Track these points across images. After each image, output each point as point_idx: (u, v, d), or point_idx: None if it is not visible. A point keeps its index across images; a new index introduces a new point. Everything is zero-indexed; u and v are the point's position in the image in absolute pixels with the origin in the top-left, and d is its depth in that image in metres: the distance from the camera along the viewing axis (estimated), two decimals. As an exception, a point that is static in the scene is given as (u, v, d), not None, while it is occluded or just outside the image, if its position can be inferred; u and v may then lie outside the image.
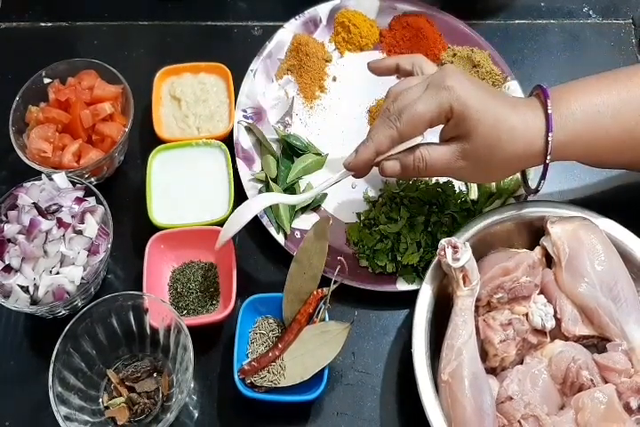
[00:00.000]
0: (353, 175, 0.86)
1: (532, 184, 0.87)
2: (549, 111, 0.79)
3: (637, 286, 0.83)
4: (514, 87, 1.04)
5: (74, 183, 0.90)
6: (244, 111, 1.02)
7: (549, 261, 0.86)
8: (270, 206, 0.95)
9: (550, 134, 0.78)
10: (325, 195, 0.98)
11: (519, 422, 0.76)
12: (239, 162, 0.98)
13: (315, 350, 0.83)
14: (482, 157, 0.80)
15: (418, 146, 0.81)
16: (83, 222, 0.86)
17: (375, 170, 1.00)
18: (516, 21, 1.14)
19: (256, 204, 0.88)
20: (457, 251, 0.80)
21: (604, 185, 1.02)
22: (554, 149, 0.79)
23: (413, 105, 0.78)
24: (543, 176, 0.82)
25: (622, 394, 0.78)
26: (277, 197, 0.90)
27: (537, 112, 0.80)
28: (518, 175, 0.98)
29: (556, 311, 0.82)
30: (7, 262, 0.83)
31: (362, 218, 0.97)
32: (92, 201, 0.89)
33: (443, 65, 1.01)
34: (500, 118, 0.78)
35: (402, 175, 0.83)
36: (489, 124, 0.78)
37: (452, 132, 0.80)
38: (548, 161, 0.80)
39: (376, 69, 0.93)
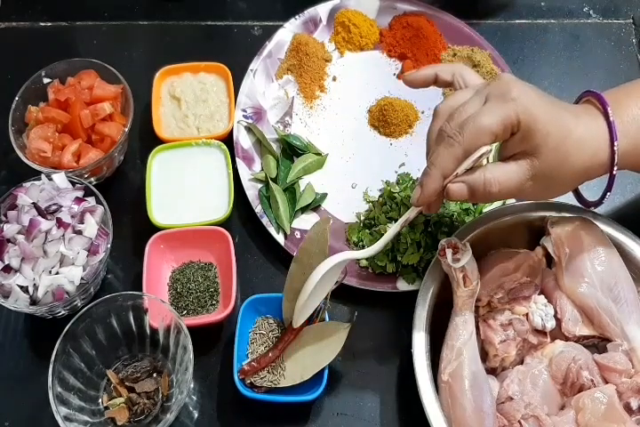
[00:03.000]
0: (424, 211, 0.78)
1: (589, 196, 0.83)
2: (611, 119, 0.74)
3: (637, 286, 0.83)
4: (514, 87, 1.04)
5: (73, 183, 0.90)
6: (244, 111, 1.02)
7: (550, 261, 0.86)
8: (270, 206, 0.95)
9: (616, 143, 0.74)
10: (325, 195, 0.98)
11: (519, 422, 0.76)
12: (239, 162, 0.98)
13: (315, 350, 0.83)
14: (550, 175, 0.74)
15: (483, 168, 0.73)
16: (82, 222, 0.86)
17: (375, 170, 1.00)
18: (516, 21, 1.14)
19: (327, 263, 0.80)
20: (457, 251, 0.80)
21: (605, 185, 1.01)
22: (620, 158, 0.75)
23: (476, 118, 0.70)
24: (609, 188, 0.77)
25: (622, 394, 0.78)
26: (350, 255, 0.81)
27: (598, 121, 0.75)
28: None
29: (556, 311, 0.82)
30: (7, 262, 0.83)
31: (362, 218, 0.97)
32: (91, 201, 0.89)
33: (497, 74, 0.95)
34: (568, 130, 0.73)
35: (471, 199, 0.74)
36: (558, 137, 0.72)
37: (516, 148, 0.73)
38: (614, 171, 0.75)
39: (413, 82, 0.84)
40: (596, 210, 0.87)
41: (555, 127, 0.72)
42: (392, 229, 0.79)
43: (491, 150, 0.73)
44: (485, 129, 0.70)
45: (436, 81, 0.83)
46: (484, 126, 0.70)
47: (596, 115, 0.76)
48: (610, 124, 0.75)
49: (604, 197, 0.79)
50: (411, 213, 0.77)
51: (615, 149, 0.74)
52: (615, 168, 0.76)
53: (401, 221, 0.78)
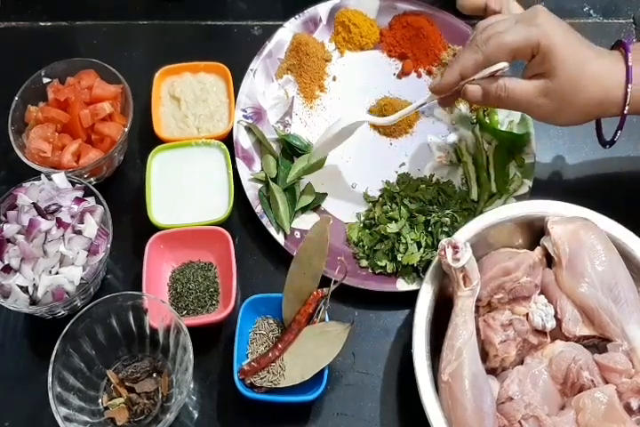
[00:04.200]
0: (439, 102, 0.90)
1: (607, 137, 0.90)
2: (630, 63, 0.82)
3: (638, 286, 0.83)
4: (514, 87, 1.04)
5: (73, 183, 0.90)
6: (244, 111, 1.02)
7: (550, 261, 0.86)
8: (270, 206, 0.95)
9: (630, 86, 0.81)
10: (325, 195, 0.98)
11: (519, 422, 0.76)
12: (239, 162, 0.98)
13: (315, 350, 0.83)
14: (563, 97, 0.83)
15: (501, 76, 0.84)
16: (82, 222, 0.86)
17: (375, 170, 1.00)
18: (517, 21, 1.14)
19: (347, 119, 0.93)
20: (457, 251, 0.80)
21: (605, 185, 1.01)
22: (632, 100, 0.82)
23: (501, 34, 0.82)
24: (620, 127, 0.85)
25: (623, 394, 0.78)
26: (369, 118, 0.96)
27: (619, 64, 0.83)
28: (520, 176, 0.99)
29: (556, 312, 0.82)
30: (6, 262, 0.83)
31: (362, 218, 0.96)
32: (91, 201, 0.89)
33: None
34: (585, 62, 0.82)
35: (482, 101, 0.86)
36: (573, 65, 0.81)
37: (536, 69, 0.83)
38: (625, 112, 0.83)
39: (465, 7, 0.98)
40: (596, 210, 0.88)
41: (571, 56, 0.81)
42: (409, 108, 0.91)
43: (507, 68, 0.83)
44: (506, 45, 0.81)
45: (485, 10, 0.95)
46: (505, 42, 0.81)
47: (618, 59, 0.84)
48: (628, 68, 0.82)
49: (614, 135, 0.87)
50: (427, 99, 0.89)
51: (629, 90, 0.82)
52: (627, 109, 0.83)
53: (418, 103, 0.90)
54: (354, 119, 0.94)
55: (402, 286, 0.91)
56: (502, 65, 0.83)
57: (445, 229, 0.92)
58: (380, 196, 0.97)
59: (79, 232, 0.86)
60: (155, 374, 0.85)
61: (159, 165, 0.96)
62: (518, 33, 0.81)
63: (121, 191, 0.99)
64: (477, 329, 0.81)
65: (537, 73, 0.83)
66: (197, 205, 0.94)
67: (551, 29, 0.81)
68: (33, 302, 0.84)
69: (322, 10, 1.09)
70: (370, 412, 0.86)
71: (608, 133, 0.90)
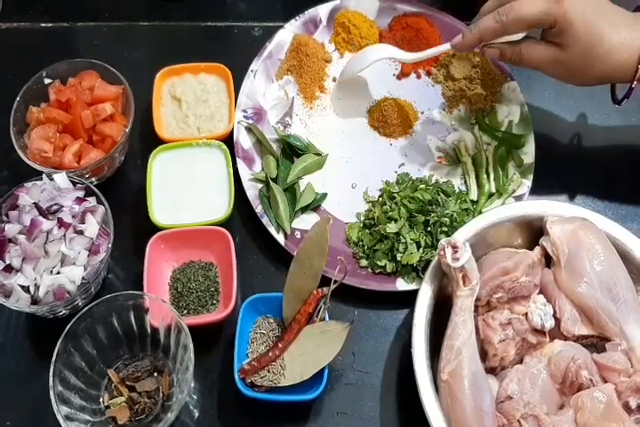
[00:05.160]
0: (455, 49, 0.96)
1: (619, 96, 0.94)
2: None
3: (636, 286, 0.83)
4: (513, 87, 1.05)
5: (74, 183, 0.90)
6: (245, 111, 1.02)
7: (549, 261, 0.86)
8: (270, 206, 0.96)
9: None
10: (325, 195, 0.98)
11: (519, 421, 0.76)
12: (239, 162, 0.98)
13: (315, 349, 0.83)
14: (574, 68, 0.89)
15: (518, 41, 0.90)
16: (83, 222, 0.86)
17: (375, 170, 1.01)
18: (516, 22, 1.14)
19: (374, 52, 1.02)
20: (457, 251, 0.80)
21: (605, 185, 1.02)
22: None
23: (522, 7, 0.85)
24: (627, 96, 0.90)
25: (621, 394, 0.78)
26: (397, 53, 1.02)
27: (637, 34, 0.86)
28: (519, 176, 0.99)
29: (555, 311, 0.83)
30: (8, 262, 0.84)
31: (362, 218, 0.97)
32: (92, 201, 0.89)
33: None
34: (599, 40, 0.85)
35: (500, 59, 0.92)
36: (588, 44, 0.85)
37: (552, 38, 0.88)
38: (633, 86, 0.87)
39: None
40: (596, 210, 0.88)
41: (587, 35, 0.85)
42: (434, 49, 0.98)
43: (525, 35, 0.90)
44: (525, 19, 0.85)
45: None
46: (524, 17, 0.85)
47: (638, 27, 0.87)
48: None
49: (622, 100, 0.92)
50: (448, 48, 0.96)
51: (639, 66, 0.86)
52: (634, 84, 0.87)
53: (442, 48, 0.97)
54: (384, 54, 1.02)
55: (401, 285, 0.92)
56: (521, 36, 0.90)
57: (445, 229, 0.92)
58: (380, 196, 0.98)
59: (80, 232, 0.86)
60: (155, 374, 0.85)
61: (160, 166, 0.96)
62: (537, 8, 0.84)
63: (122, 191, 0.99)
64: (477, 328, 0.81)
65: (553, 40, 0.87)
66: (198, 205, 0.94)
67: (571, 8, 0.84)
68: (34, 301, 0.84)
69: (322, 11, 1.09)
70: (370, 411, 0.87)
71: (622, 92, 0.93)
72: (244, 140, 1.00)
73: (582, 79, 0.92)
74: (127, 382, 0.84)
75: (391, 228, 0.92)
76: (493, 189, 0.98)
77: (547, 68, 0.91)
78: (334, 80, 1.08)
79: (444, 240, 0.81)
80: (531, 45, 0.90)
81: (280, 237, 0.94)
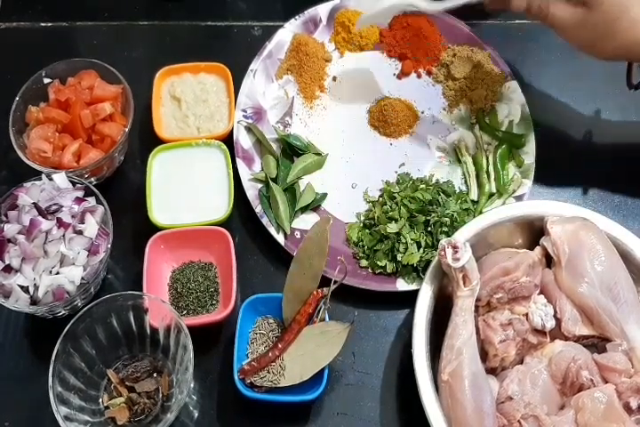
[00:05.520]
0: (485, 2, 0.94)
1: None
2: None
3: (637, 286, 0.83)
4: (514, 87, 1.04)
5: (74, 183, 0.90)
6: (244, 111, 1.02)
7: (549, 261, 0.86)
8: (270, 206, 0.95)
9: None
10: (325, 195, 0.98)
11: (519, 421, 0.76)
12: (239, 162, 0.98)
13: (315, 350, 0.83)
14: (598, 33, 0.87)
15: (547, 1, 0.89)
16: (83, 222, 0.86)
17: (375, 170, 1.00)
18: (516, 21, 1.14)
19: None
20: (457, 251, 0.80)
21: (605, 185, 1.02)
22: None
23: None
24: None
25: (622, 394, 0.78)
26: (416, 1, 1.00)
27: None
28: (519, 176, 0.99)
29: (555, 311, 0.82)
30: (7, 262, 0.84)
31: (362, 218, 0.97)
32: (91, 201, 0.89)
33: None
34: (624, 9, 0.85)
35: (526, 12, 0.90)
36: (612, 13, 0.85)
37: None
38: None
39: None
40: (596, 210, 0.88)
41: (612, 4, 0.85)
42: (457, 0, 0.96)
43: None
44: None
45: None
46: None
47: None
48: None
49: (639, 85, 0.93)
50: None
51: None
52: None
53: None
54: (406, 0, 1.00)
55: (402, 285, 0.91)
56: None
57: (445, 229, 0.92)
58: (380, 196, 0.98)
59: (80, 232, 0.86)
60: (155, 374, 0.85)
61: (159, 165, 0.96)
62: None
63: (121, 191, 0.99)
64: (477, 329, 0.81)
65: (579, 1, 0.86)
66: (197, 205, 0.94)
67: None
68: (33, 301, 0.84)
69: (322, 10, 1.09)
70: (370, 411, 0.87)
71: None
72: (244, 140, 1.00)
73: (603, 49, 0.89)
74: (126, 383, 0.84)
75: (391, 228, 0.92)
76: (494, 189, 0.98)
77: (569, 31, 0.89)
78: (334, 79, 1.07)
79: (444, 240, 0.81)
80: (557, 4, 0.88)
81: (280, 238, 0.94)
